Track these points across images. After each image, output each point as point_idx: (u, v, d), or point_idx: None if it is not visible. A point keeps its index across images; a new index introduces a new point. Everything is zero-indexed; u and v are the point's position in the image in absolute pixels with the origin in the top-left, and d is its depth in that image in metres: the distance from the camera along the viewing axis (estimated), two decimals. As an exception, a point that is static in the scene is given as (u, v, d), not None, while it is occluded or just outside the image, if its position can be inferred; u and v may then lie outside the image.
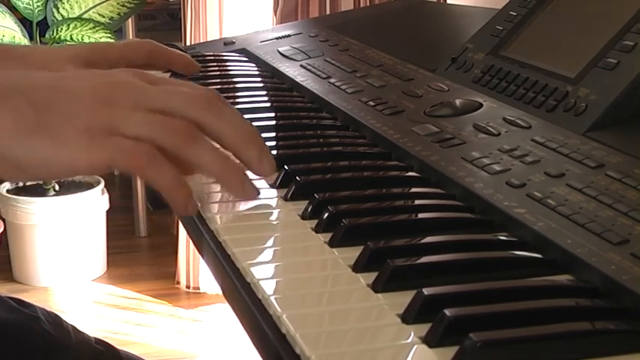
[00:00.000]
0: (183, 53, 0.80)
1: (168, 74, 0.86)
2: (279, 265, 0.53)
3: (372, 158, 0.69)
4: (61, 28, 2.64)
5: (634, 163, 0.58)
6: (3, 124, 0.56)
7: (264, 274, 0.50)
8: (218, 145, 0.60)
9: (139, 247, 3.02)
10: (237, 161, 0.61)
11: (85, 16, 2.69)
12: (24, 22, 2.69)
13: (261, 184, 0.64)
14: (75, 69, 0.65)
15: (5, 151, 0.56)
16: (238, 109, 0.82)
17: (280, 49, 1.02)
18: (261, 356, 0.47)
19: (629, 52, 0.67)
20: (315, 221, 0.57)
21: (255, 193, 0.61)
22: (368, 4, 2.34)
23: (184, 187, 0.58)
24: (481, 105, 0.74)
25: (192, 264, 2.65)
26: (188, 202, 0.58)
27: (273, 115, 0.81)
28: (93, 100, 0.57)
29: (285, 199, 0.62)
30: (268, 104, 0.84)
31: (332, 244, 0.54)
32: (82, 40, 2.62)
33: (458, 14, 1.22)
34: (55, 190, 2.65)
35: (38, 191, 2.64)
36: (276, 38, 1.08)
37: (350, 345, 0.43)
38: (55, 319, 0.89)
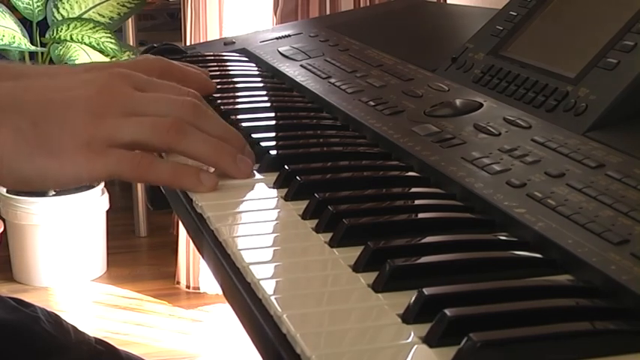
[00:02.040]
0: (198, 72, 0.77)
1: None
2: (280, 265, 0.53)
3: (372, 158, 0.69)
4: (61, 28, 2.64)
5: (634, 163, 0.58)
6: (3, 140, 0.59)
7: (264, 273, 0.50)
8: None
9: (138, 247, 3.02)
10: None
11: (85, 16, 2.69)
12: (24, 22, 2.69)
13: (260, 184, 0.64)
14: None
15: (12, 166, 0.59)
16: (238, 109, 0.82)
17: (280, 49, 1.02)
18: (262, 356, 0.47)
19: (629, 52, 0.67)
20: (316, 221, 0.57)
21: (249, 169, 0.65)
22: (368, 4, 2.34)
23: (187, 169, 0.63)
24: (481, 105, 0.74)
25: (192, 264, 2.65)
26: (200, 177, 0.62)
27: (273, 115, 0.81)
28: (87, 113, 0.61)
29: (286, 199, 0.62)
30: (268, 104, 0.84)
31: (332, 244, 0.54)
32: (82, 39, 2.61)
33: (458, 14, 1.22)
34: (55, 190, 2.65)
35: (38, 191, 2.64)
36: (276, 38, 1.08)
37: (350, 345, 0.43)
38: (55, 319, 0.89)
